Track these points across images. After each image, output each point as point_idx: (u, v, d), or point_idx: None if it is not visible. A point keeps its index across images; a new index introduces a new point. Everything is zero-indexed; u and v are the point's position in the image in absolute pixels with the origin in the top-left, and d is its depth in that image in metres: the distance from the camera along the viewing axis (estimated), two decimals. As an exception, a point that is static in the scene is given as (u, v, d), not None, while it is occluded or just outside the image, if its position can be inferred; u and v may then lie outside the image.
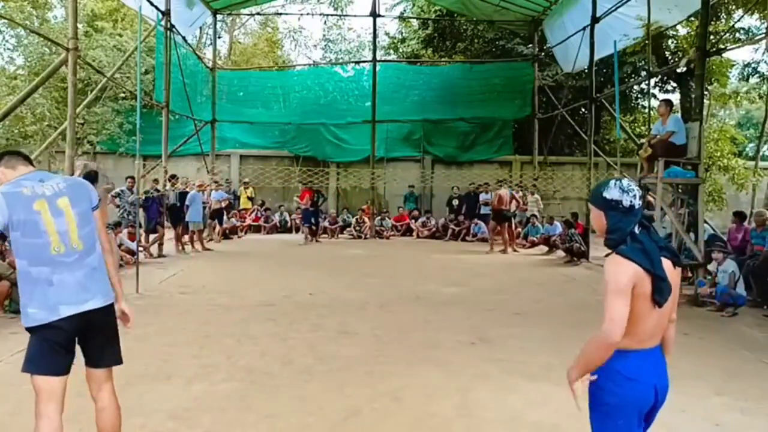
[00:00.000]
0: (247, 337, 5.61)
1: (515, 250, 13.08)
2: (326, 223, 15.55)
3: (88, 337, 2.71)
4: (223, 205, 14.33)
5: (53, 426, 2.55)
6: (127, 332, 5.76)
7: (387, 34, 22.71)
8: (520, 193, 14.60)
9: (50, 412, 2.56)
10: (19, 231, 2.53)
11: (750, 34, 13.85)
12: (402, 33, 22.31)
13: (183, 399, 4.03)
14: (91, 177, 5.24)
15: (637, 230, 2.13)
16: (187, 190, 12.26)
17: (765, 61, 15.91)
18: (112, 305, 2.76)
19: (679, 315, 7.15)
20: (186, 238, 12.01)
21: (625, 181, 2.17)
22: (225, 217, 14.77)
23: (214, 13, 16.88)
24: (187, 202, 11.82)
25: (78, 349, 2.75)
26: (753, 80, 17.70)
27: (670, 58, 15.48)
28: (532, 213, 14.81)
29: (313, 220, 14.25)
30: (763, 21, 12.25)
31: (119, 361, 2.82)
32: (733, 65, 16.26)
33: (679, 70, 13.55)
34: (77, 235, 2.62)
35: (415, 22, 21.35)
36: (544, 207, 15.66)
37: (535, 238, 13.85)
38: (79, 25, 12.60)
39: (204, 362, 4.81)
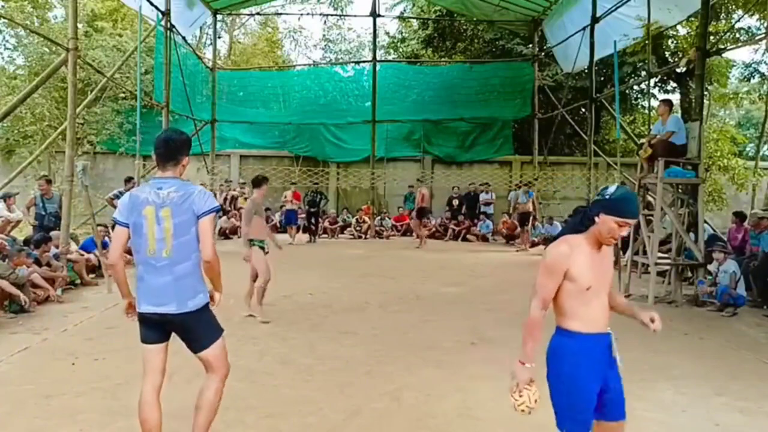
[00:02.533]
0: (247, 337, 5.61)
1: (525, 249, 13.28)
2: (326, 223, 15.55)
3: (175, 331, 3.05)
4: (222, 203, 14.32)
5: (146, 388, 3.07)
6: (128, 332, 5.78)
7: (387, 34, 22.71)
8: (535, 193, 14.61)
9: (150, 379, 3.08)
10: (132, 230, 2.91)
11: (750, 34, 13.85)
12: (402, 33, 22.30)
13: (183, 399, 4.02)
14: (258, 180, 6.45)
15: None
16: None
17: (765, 62, 15.92)
18: (192, 311, 2.93)
19: (679, 315, 7.17)
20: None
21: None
22: (225, 217, 14.78)
23: (214, 13, 16.89)
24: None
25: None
26: (753, 81, 17.71)
27: (670, 58, 15.48)
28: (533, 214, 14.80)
29: (313, 221, 14.29)
30: (763, 21, 12.24)
31: (206, 346, 3.02)
32: (734, 65, 16.27)
33: (679, 70, 13.55)
34: (170, 245, 2.84)
35: (415, 22, 21.34)
36: (543, 207, 15.66)
37: (535, 239, 13.85)
38: (79, 25, 12.60)
39: (204, 362, 4.81)
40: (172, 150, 2.90)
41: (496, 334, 5.84)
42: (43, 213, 8.76)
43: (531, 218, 14.53)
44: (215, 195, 14.49)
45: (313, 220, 14.41)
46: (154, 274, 2.89)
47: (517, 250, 13.35)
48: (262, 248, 6.29)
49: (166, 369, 3.10)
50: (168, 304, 2.88)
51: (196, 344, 3.01)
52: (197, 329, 2.99)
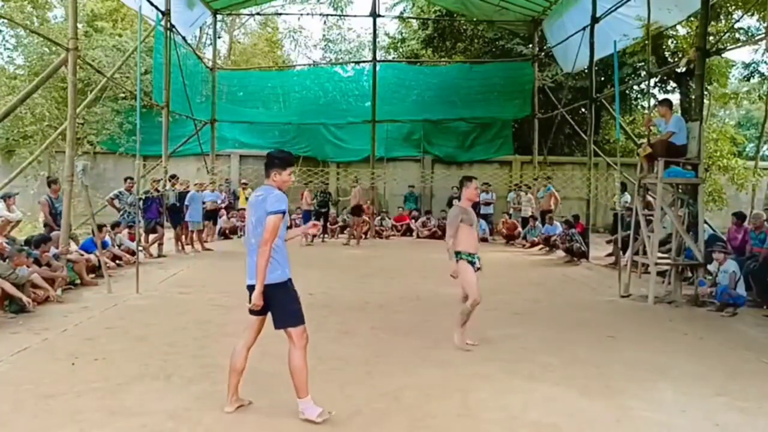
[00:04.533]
0: (247, 337, 5.61)
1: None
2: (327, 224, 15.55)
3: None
4: (222, 205, 14.32)
5: (241, 342, 3.82)
6: (128, 332, 5.78)
7: (387, 34, 22.71)
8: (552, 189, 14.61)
9: (245, 336, 3.81)
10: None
11: (750, 34, 13.85)
12: (402, 33, 22.30)
13: (183, 399, 4.03)
14: (467, 180, 5.63)
15: None
16: (188, 190, 12.26)
17: (765, 62, 15.92)
18: (276, 284, 3.60)
19: (679, 315, 7.17)
20: (185, 238, 11.99)
21: None
22: (225, 217, 14.78)
23: (214, 13, 16.88)
24: (186, 202, 11.82)
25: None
26: (753, 81, 17.70)
27: (670, 58, 15.48)
28: (531, 214, 14.82)
29: (321, 221, 14.31)
30: (763, 21, 12.24)
31: (281, 326, 3.69)
32: (733, 65, 16.26)
33: (679, 70, 13.55)
34: (251, 234, 3.69)
35: (414, 22, 21.34)
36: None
37: (534, 239, 13.85)
38: (79, 25, 12.61)
39: (204, 362, 4.81)
40: (266, 165, 3.77)
41: (496, 334, 5.84)
42: (55, 213, 8.79)
43: (531, 219, 14.57)
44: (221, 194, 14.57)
45: (321, 220, 14.44)
46: (248, 256, 3.69)
47: (344, 244, 13.90)
48: (473, 263, 5.34)
49: (259, 334, 3.80)
50: (250, 280, 3.63)
51: (275, 320, 3.69)
52: (273, 305, 3.63)
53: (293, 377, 3.70)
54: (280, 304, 3.63)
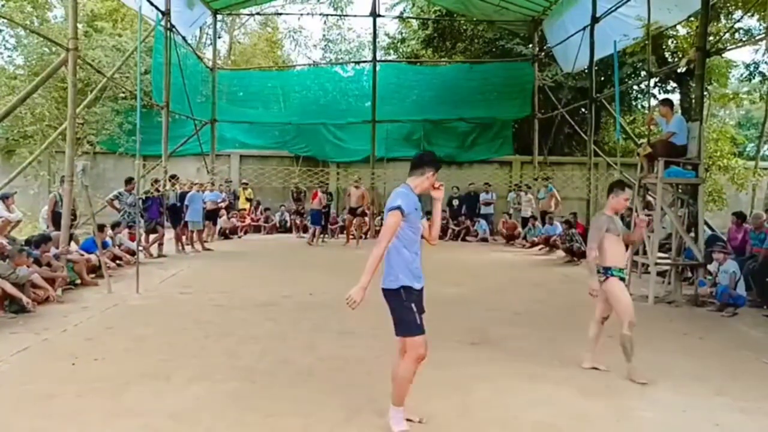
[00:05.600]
0: (247, 337, 5.61)
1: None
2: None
3: None
4: (222, 205, 14.31)
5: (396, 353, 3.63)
6: (128, 332, 5.78)
7: (387, 34, 22.69)
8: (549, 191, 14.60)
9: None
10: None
11: (750, 34, 13.85)
12: (402, 33, 22.28)
13: (183, 399, 4.03)
14: (618, 185, 4.79)
15: None
16: (187, 189, 12.26)
17: (765, 62, 15.92)
18: (387, 289, 3.52)
19: (679, 315, 7.16)
20: (185, 238, 12.00)
21: None
22: (225, 217, 14.77)
23: (214, 13, 16.88)
24: (186, 202, 11.82)
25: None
26: (753, 81, 17.70)
27: (670, 58, 15.48)
28: (531, 214, 14.82)
29: (323, 222, 14.31)
30: (763, 21, 12.24)
31: (398, 333, 3.53)
32: (734, 65, 16.26)
33: (679, 70, 13.55)
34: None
35: (414, 23, 21.32)
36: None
37: (535, 239, 13.86)
38: (79, 25, 12.58)
39: (204, 362, 4.81)
40: (414, 165, 3.79)
41: (496, 334, 5.84)
42: (61, 212, 8.81)
43: (531, 219, 14.57)
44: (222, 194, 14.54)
45: (323, 220, 14.44)
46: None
47: (344, 245, 13.69)
48: (623, 279, 4.62)
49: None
50: (383, 282, 3.53)
51: (394, 326, 3.52)
52: (391, 309, 3.50)
53: (394, 384, 3.50)
54: (394, 312, 3.50)
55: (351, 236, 14.11)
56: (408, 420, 3.58)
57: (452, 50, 20.04)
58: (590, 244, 4.64)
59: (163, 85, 12.48)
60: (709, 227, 10.06)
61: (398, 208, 3.39)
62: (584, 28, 13.00)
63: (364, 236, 14.56)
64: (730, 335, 6.12)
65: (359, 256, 12.27)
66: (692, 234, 8.14)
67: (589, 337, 4.81)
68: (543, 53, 17.46)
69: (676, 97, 16.00)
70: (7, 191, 9.23)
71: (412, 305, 3.45)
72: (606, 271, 4.54)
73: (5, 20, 14.90)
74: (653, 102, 14.63)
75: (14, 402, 3.90)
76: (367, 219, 14.71)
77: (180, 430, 3.56)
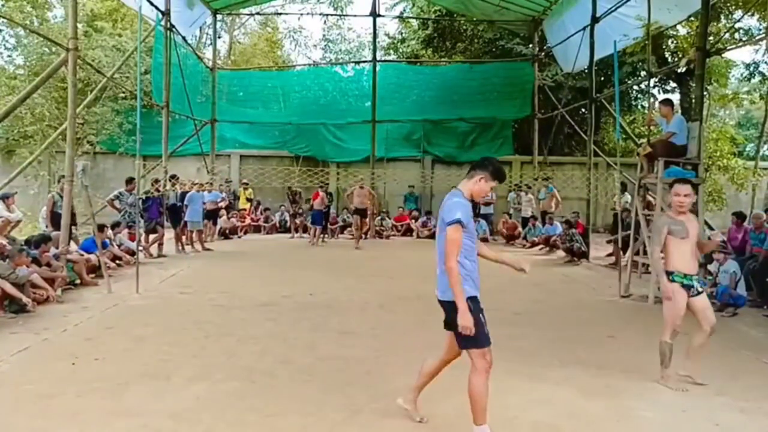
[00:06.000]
0: (247, 337, 5.61)
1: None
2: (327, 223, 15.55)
3: None
4: (222, 205, 14.30)
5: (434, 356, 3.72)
6: (128, 332, 5.78)
7: (387, 34, 22.71)
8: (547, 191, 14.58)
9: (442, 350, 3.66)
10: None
11: (750, 34, 13.85)
12: (402, 33, 22.30)
13: (183, 399, 4.03)
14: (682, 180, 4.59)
15: None
16: (187, 189, 12.26)
17: (765, 62, 15.92)
18: (445, 301, 3.37)
19: (679, 315, 6.93)
20: (185, 238, 11.99)
21: None
22: (225, 217, 14.77)
23: (214, 13, 16.88)
24: (186, 202, 11.82)
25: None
26: (753, 81, 17.71)
27: (670, 58, 15.49)
28: (532, 214, 14.81)
29: (323, 222, 14.30)
30: (763, 21, 12.24)
31: (462, 346, 3.43)
32: (734, 65, 16.26)
33: (679, 70, 13.55)
34: (437, 239, 3.46)
35: (414, 23, 21.34)
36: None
37: (535, 239, 13.86)
38: (79, 25, 12.59)
39: (204, 362, 4.81)
40: (475, 166, 3.50)
41: (496, 334, 5.80)
42: (60, 212, 8.81)
43: (531, 219, 14.56)
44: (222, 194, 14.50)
45: (323, 220, 14.41)
46: (437, 264, 3.43)
47: (356, 248, 13.11)
48: (687, 286, 4.34)
49: (450, 351, 3.61)
50: (437, 289, 3.45)
51: (456, 339, 3.41)
52: (454, 322, 3.29)
53: (471, 402, 3.35)
54: (458, 325, 3.29)
55: (361, 236, 13.92)
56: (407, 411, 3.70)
57: (452, 50, 20.05)
58: (654, 242, 4.51)
59: (163, 85, 12.48)
60: (709, 227, 10.06)
61: (458, 221, 3.26)
62: (584, 28, 12.99)
63: (364, 236, 14.55)
64: (730, 335, 6.11)
65: (359, 256, 12.31)
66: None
67: (692, 345, 4.56)
68: (543, 53, 17.46)
69: (676, 97, 16.02)
70: (7, 191, 9.24)
71: (480, 315, 3.34)
72: (669, 275, 4.36)
73: (5, 20, 14.90)
74: (653, 102, 14.63)
75: (14, 402, 3.90)
76: (367, 219, 14.68)
77: (180, 430, 3.56)
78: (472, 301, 3.32)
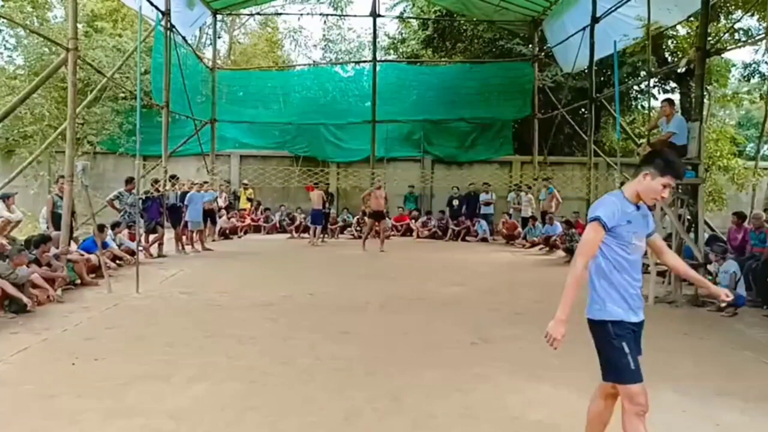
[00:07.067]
0: (247, 337, 5.61)
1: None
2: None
3: None
4: (222, 205, 14.29)
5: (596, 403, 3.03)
6: (128, 332, 5.78)
7: (387, 34, 22.70)
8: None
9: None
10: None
11: (750, 34, 13.85)
12: (402, 33, 22.29)
13: (183, 399, 4.03)
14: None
15: None
16: (187, 189, 12.26)
17: (765, 62, 15.92)
18: (591, 320, 2.88)
19: (679, 315, 7.13)
20: (185, 238, 11.99)
21: None
22: (225, 217, 14.77)
23: (214, 13, 16.89)
24: (185, 202, 11.82)
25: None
26: (754, 80, 17.70)
27: (670, 58, 15.48)
28: (531, 214, 14.82)
29: (323, 222, 14.28)
30: (763, 21, 12.24)
31: (606, 378, 2.86)
32: (734, 65, 16.25)
33: (679, 70, 13.55)
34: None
35: (414, 23, 21.33)
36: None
37: (535, 239, 13.86)
38: (79, 25, 12.58)
39: (204, 362, 4.81)
40: (642, 161, 2.91)
41: (496, 334, 5.84)
42: (60, 212, 8.81)
43: (531, 219, 14.57)
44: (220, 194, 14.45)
45: (323, 221, 14.42)
46: None
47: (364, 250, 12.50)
48: None
49: (606, 386, 2.99)
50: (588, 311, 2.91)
51: (600, 367, 2.86)
52: (596, 346, 2.86)
53: None
54: (600, 350, 2.83)
55: (374, 237, 13.02)
56: None
57: (452, 50, 20.05)
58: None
59: (163, 85, 12.48)
60: (709, 227, 10.06)
61: (597, 219, 2.72)
62: (584, 29, 13.01)
63: (381, 239, 13.01)
64: (730, 335, 6.11)
65: (359, 256, 12.30)
66: (692, 234, 8.14)
67: None
68: (543, 53, 17.47)
69: (676, 97, 15.98)
70: (7, 191, 9.23)
71: (624, 344, 2.72)
72: None
73: (5, 20, 14.89)
74: (653, 102, 14.64)
75: (14, 402, 3.90)
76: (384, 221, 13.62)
77: (180, 430, 3.56)
78: (617, 325, 2.75)
